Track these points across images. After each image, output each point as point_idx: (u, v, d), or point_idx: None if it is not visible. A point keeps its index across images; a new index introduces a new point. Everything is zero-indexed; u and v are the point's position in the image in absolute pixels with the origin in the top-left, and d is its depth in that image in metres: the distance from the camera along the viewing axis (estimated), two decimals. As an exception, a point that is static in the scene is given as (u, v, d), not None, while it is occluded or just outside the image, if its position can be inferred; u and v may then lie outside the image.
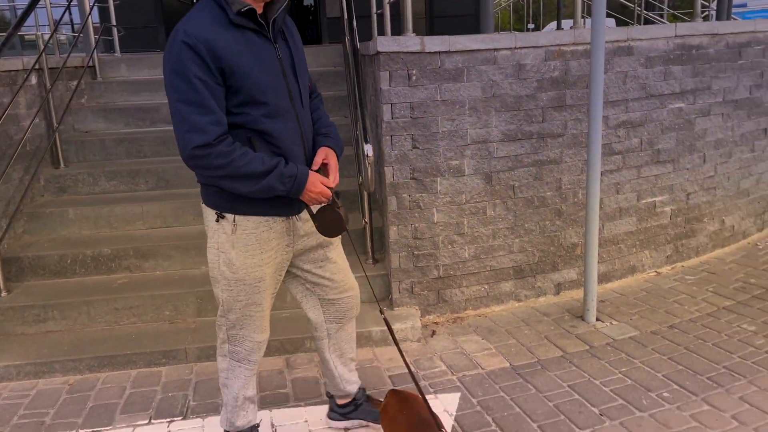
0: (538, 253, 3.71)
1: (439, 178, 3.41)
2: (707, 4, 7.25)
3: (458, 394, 2.81)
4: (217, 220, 2.03)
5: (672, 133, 3.92)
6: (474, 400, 2.76)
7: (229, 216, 2.01)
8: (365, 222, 3.64)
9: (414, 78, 3.24)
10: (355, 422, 2.57)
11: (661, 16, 8.96)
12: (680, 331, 3.30)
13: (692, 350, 3.09)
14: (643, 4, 8.35)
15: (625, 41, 3.60)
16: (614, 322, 3.44)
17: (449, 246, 3.51)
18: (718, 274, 4.04)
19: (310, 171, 1.99)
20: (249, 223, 2.01)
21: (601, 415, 2.59)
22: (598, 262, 3.85)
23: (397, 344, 2.09)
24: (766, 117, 4.46)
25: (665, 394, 2.72)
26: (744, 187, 4.48)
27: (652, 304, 3.65)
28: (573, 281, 3.84)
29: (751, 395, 2.67)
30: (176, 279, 3.62)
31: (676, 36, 3.76)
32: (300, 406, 2.78)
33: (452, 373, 3.01)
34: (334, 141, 2.16)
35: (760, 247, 4.52)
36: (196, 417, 2.73)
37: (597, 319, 3.48)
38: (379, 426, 2.30)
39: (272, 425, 2.63)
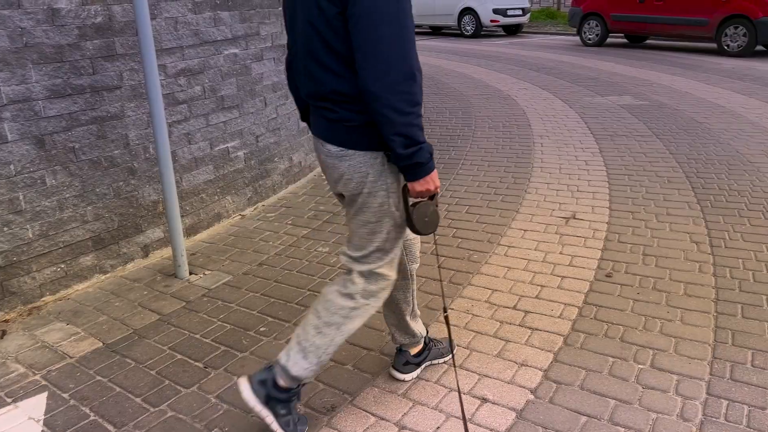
0: (117, 218, 3.42)
1: (-28, 150, 2.79)
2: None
3: (45, 394, 2.43)
4: (390, 160, 1.89)
5: (232, 79, 4.02)
6: (65, 395, 2.43)
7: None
8: None
9: None
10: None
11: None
12: (269, 267, 3.50)
13: (281, 281, 3.32)
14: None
15: (170, -15, 3.47)
16: (207, 272, 3.45)
17: (5, 228, 2.96)
18: (294, 207, 4.41)
19: None
20: None
21: (205, 367, 2.58)
22: (183, 216, 3.78)
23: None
24: (311, 60, 4.95)
25: (262, 329, 2.85)
26: (303, 126, 4.93)
27: (241, 246, 3.78)
28: (161, 240, 3.70)
29: (331, 309, 3.01)
30: None
31: (219, -19, 3.80)
32: None
33: (34, 372, 2.59)
34: None
35: (324, 177, 5.10)
36: None
37: (190, 273, 3.44)
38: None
39: None
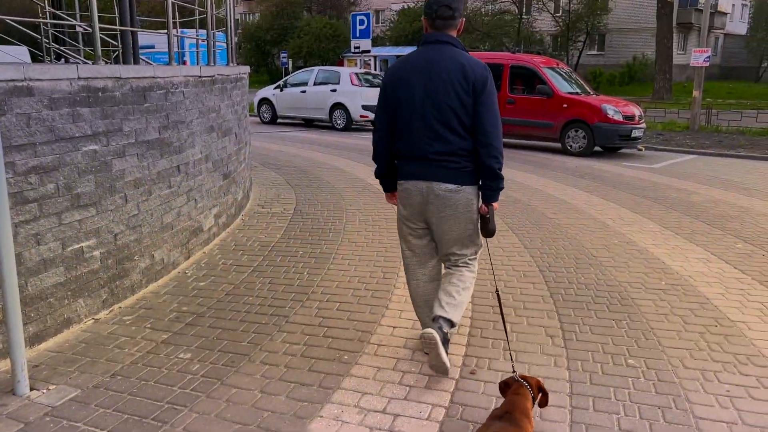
0: (-56, 328, 3.05)
1: None
2: (116, 44, 7.46)
3: None
4: (483, 189, 3.23)
5: (90, 176, 3.83)
6: None
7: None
8: None
9: None
10: None
11: (78, 51, 8.69)
12: (123, 377, 3.24)
13: (136, 394, 3.07)
14: (50, 38, 8.03)
15: (23, 81, 3.31)
16: (52, 387, 3.13)
17: None
18: (155, 309, 4.17)
19: None
20: None
21: (42, 503, 2.28)
22: (26, 323, 3.44)
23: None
24: (178, 155, 4.87)
25: (112, 452, 2.60)
26: (168, 221, 4.77)
27: (93, 355, 3.48)
28: (-2, 351, 3.32)
29: (192, 423, 2.82)
30: None
31: (79, 78, 3.68)
32: None
33: None
34: None
35: (189, 274, 4.90)
36: None
37: (32, 389, 3.09)
38: None
39: None
